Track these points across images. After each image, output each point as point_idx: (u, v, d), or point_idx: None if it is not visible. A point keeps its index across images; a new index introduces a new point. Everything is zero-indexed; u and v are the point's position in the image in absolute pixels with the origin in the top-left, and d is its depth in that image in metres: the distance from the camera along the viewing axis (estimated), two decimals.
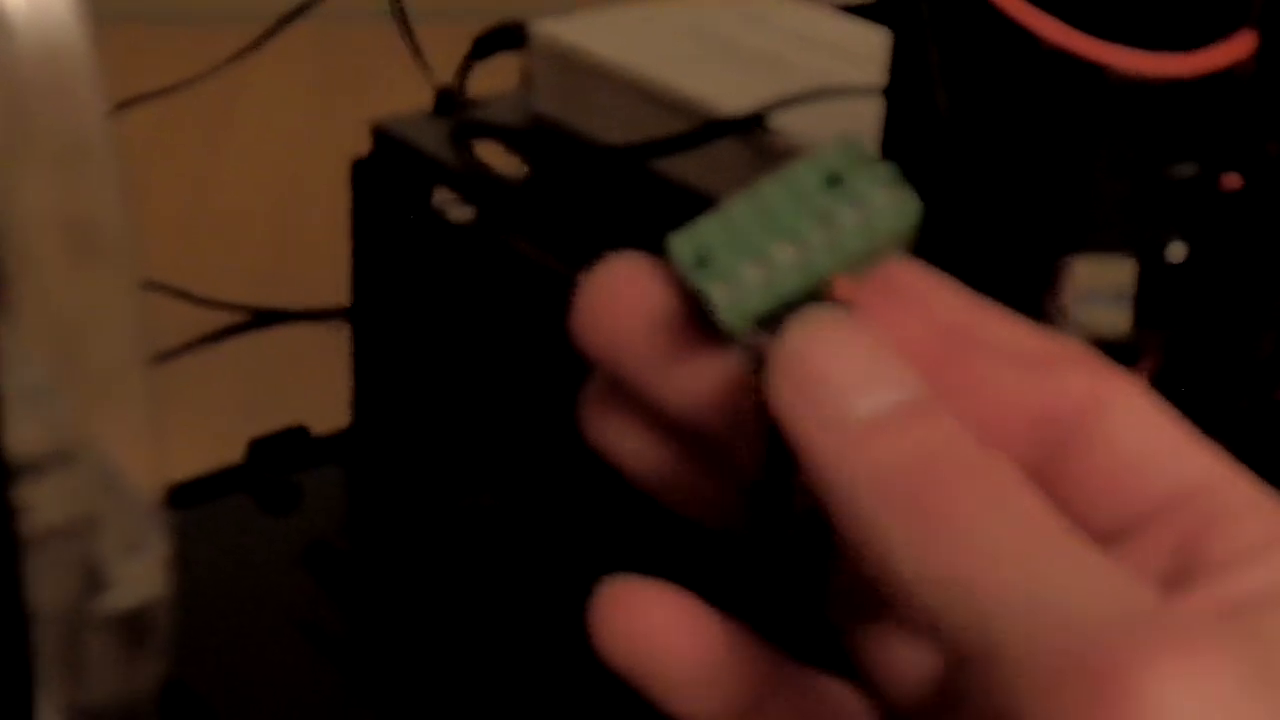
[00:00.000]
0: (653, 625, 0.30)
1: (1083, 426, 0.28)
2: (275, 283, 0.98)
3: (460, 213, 0.75)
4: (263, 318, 0.97)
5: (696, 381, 0.29)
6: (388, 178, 0.77)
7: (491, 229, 0.73)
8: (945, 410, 0.27)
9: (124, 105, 0.98)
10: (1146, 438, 0.28)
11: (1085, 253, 0.48)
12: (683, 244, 0.28)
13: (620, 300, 0.29)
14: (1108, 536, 0.27)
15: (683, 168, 0.67)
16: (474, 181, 0.74)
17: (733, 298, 0.28)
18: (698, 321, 0.28)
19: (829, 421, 0.26)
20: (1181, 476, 0.28)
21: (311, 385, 0.88)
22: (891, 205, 0.28)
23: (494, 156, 0.76)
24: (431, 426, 0.78)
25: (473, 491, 0.72)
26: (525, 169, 0.76)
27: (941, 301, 0.29)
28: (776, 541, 0.30)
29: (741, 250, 0.28)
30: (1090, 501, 0.28)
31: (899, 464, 0.26)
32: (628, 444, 0.31)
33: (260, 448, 0.85)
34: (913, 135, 0.48)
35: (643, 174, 0.69)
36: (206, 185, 1.11)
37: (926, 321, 0.29)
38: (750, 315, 0.28)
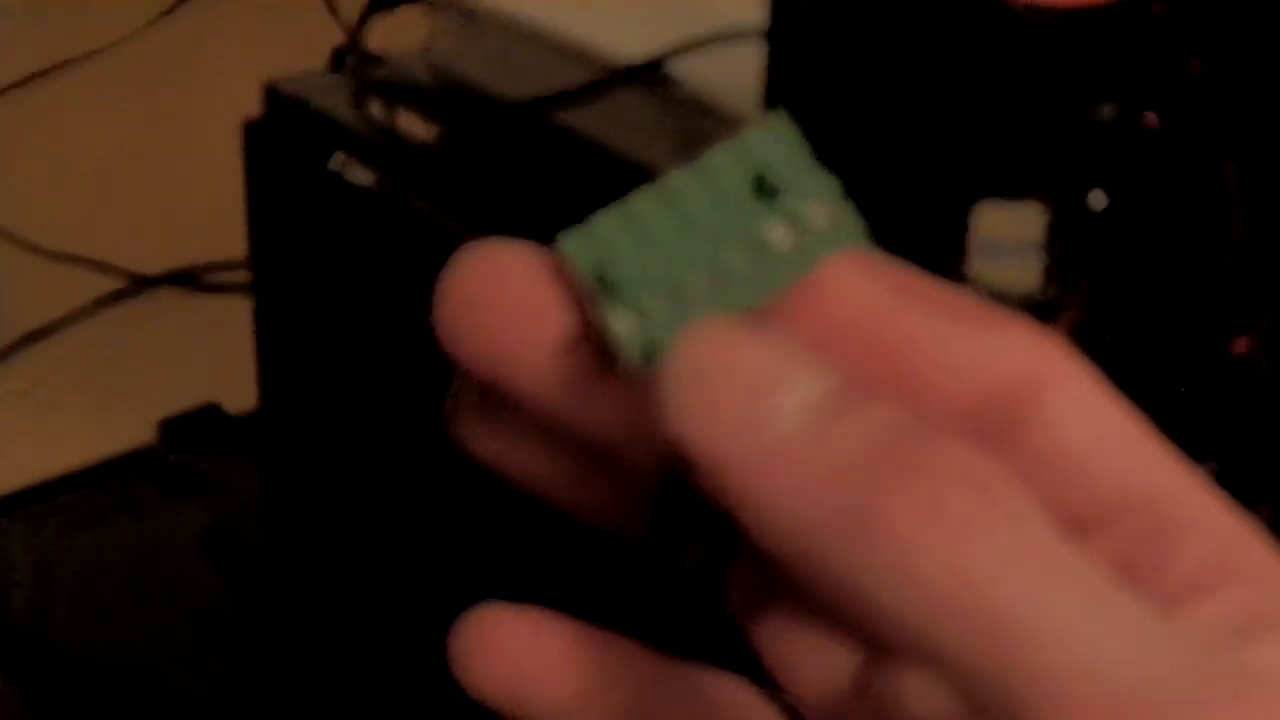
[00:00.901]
0: (518, 657, 0.28)
1: (1020, 413, 0.25)
2: (182, 248, 0.94)
3: (360, 176, 0.71)
4: (165, 281, 0.93)
5: (587, 397, 0.26)
6: (282, 140, 0.73)
7: (394, 193, 0.69)
8: (873, 394, 0.24)
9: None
10: (1089, 431, 0.25)
11: (990, 200, 0.44)
12: (580, 250, 0.25)
13: (495, 298, 0.26)
14: None
15: (585, 120, 0.63)
16: (374, 143, 0.70)
17: (638, 332, 0.24)
18: (588, 331, 0.25)
19: (743, 438, 0.23)
20: (1126, 480, 0.25)
21: (227, 357, 0.83)
22: (832, 229, 0.24)
23: (400, 118, 0.72)
24: (340, 406, 0.74)
25: (382, 476, 0.69)
26: (428, 129, 0.72)
27: (860, 286, 0.25)
28: (679, 548, 0.27)
29: (650, 276, 0.24)
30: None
31: (844, 468, 0.23)
32: (507, 453, 0.28)
33: (172, 428, 0.81)
34: (795, 79, 0.44)
35: (544, 129, 0.65)
36: (104, 150, 1.07)
37: (843, 311, 0.25)
38: (657, 351, 0.24)
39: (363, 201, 0.70)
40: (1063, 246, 0.46)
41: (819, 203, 0.24)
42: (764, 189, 0.24)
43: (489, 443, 0.28)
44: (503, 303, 0.25)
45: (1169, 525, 0.24)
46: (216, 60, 1.13)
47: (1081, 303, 0.47)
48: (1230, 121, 0.48)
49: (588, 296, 0.25)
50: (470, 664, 0.28)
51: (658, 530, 0.27)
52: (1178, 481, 0.25)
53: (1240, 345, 0.50)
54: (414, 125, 0.71)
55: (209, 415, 0.82)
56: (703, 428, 0.23)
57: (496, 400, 0.27)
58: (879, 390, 0.24)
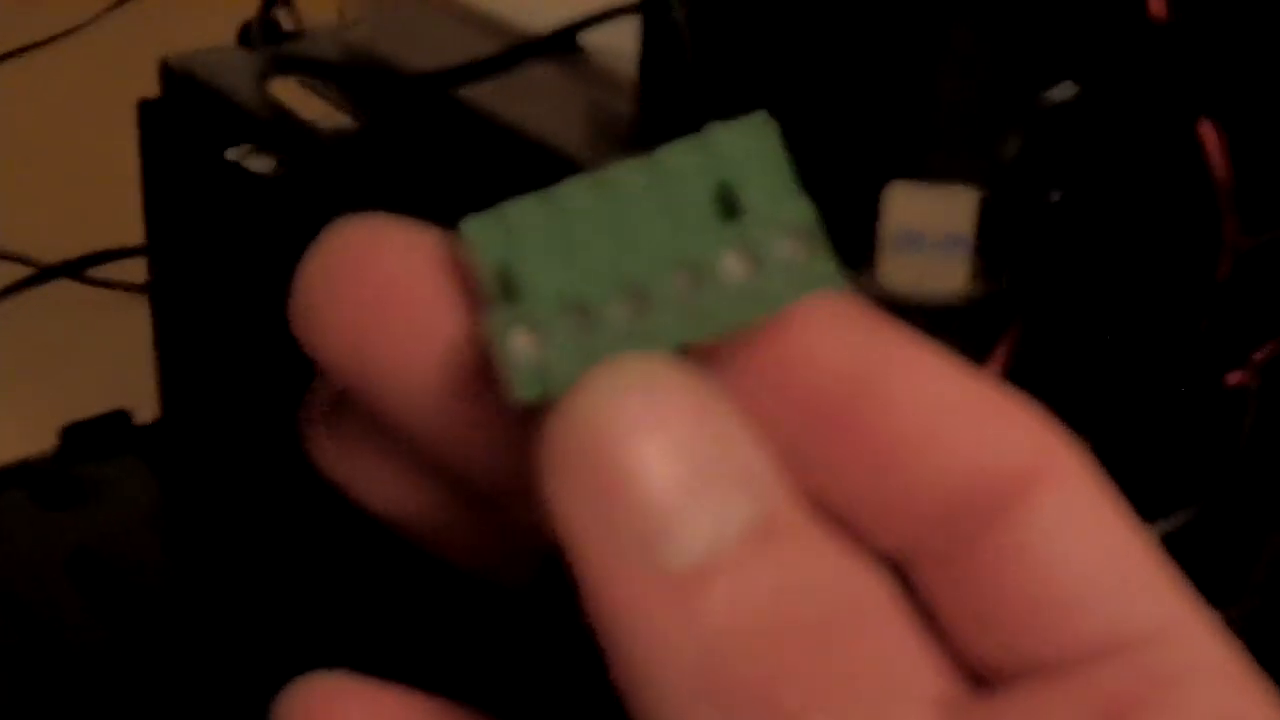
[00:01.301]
0: None
1: (1003, 518, 0.21)
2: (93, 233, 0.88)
3: (261, 163, 0.65)
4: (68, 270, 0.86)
5: (467, 425, 0.22)
6: (178, 122, 0.66)
7: (296, 182, 0.63)
8: (812, 527, 0.20)
9: None
10: (1085, 551, 0.21)
11: (906, 182, 0.37)
12: (484, 240, 0.20)
13: (365, 287, 0.21)
14: (1005, 675, 0.21)
15: (494, 97, 0.57)
16: (275, 126, 0.64)
17: (534, 356, 0.20)
18: (479, 344, 0.21)
19: (633, 559, 0.19)
20: (1123, 615, 0.21)
21: (139, 357, 0.77)
22: (798, 269, 0.20)
23: (306, 99, 0.66)
24: (241, 414, 0.67)
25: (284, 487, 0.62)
26: (337, 109, 0.65)
27: (832, 340, 0.21)
28: (570, 613, 0.21)
29: (563, 287, 0.20)
30: (990, 624, 0.21)
31: (745, 635, 0.19)
32: (366, 477, 0.24)
33: (74, 436, 0.75)
34: (666, 40, 0.38)
35: (452, 105, 0.58)
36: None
37: (807, 368, 0.21)
38: (555, 388, 0.20)
39: (263, 191, 0.63)
40: (997, 240, 0.39)
41: (788, 234, 0.20)
42: (726, 205, 0.20)
43: (345, 463, 0.24)
44: (374, 293, 0.21)
45: (1168, 675, 0.20)
46: (121, 36, 1.07)
47: (1020, 310, 0.40)
48: (1210, 81, 0.41)
49: (483, 299, 0.20)
50: None
51: (545, 589, 0.24)
52: (1185, 622, 0.21)
53: (1234, 376, 0.44)
54: (321, 106, 0.65)
55: (115, 422, 0.76)
56: (586, 527, 0.19)
57: (358, 413, 0.23)
58: (835, 473, 0.20)
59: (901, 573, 0.21)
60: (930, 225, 0.38)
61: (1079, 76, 0.40)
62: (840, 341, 0.21)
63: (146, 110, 0.67)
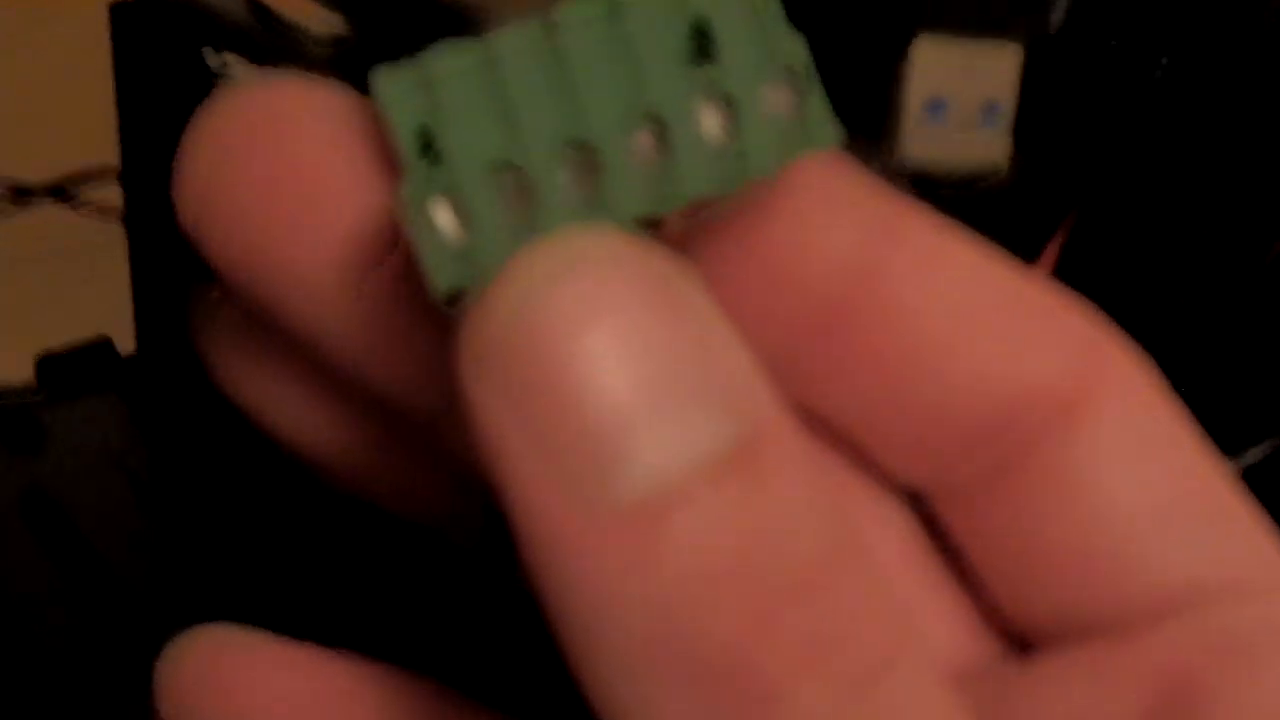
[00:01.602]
0: (237, 701, 0.20)
1: (1044, 443, 0.18)
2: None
3: (242, 74, 0.60)
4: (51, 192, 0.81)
5: (388, 333, 0.18)
6: (152, 28, 0.61)
7: None
8: (803, 449, 0.16)
9: None
10: (1146, 484, 0.18)
11: (934, 35, 0.32)
12: (401, 99, 0.17)
13: (262, 161, 0.18)
14: (1047, 636, 0.18)
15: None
16: (256, 33, 0.58)
17: (459, 240, 0.16)
18: (399, 229, 0.17)
19: (573, 489, 0.15)
20: (1192, 564, 0.17)
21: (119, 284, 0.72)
22: (789, 123, 0.17)
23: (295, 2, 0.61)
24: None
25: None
26: (324, 13, 0.60)
27: (831, 220, 0.18)
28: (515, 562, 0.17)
29: (495, 153, 0.16)
30: (1029, 574, 0.18)
31: (714, 584, 0.15)
32: (274, 401, 0.21)
33: (50, 366, 0.70)
34: None
35: (446, 13, 0.53)
36: None
37: (801, 255, 0.18)
38: (484, 275, 0.16)
39: None
40: (1042, 110, 0.33)
41: (774, 81, 0.17)
42: (701, 49, 0.17)
43: (249, 384, 0.21)
44: (271, 170, 0.17)
45: (1243, 641, 0.17)
46: None
47: (1074, 200, 0.34)
48: None
49: (399, 172, 0.17)
50: (180, 703, 0.20)
51: (493, 537, 0.19)
52: (1266, 574, 0.17)
53: None
54: (307, 6, 0.60)
55: (98, 353, 0.71)
56: (504, 434, 0.15)
57: (260, 322, 0.19)
58: (836, 389, 0.17)
59: (923, 509, 0.18)
60: (962, 90, 0.32)
61: None
62: (839, 223, 0.18)
63: (118, 14, 0.61)
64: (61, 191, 0.77)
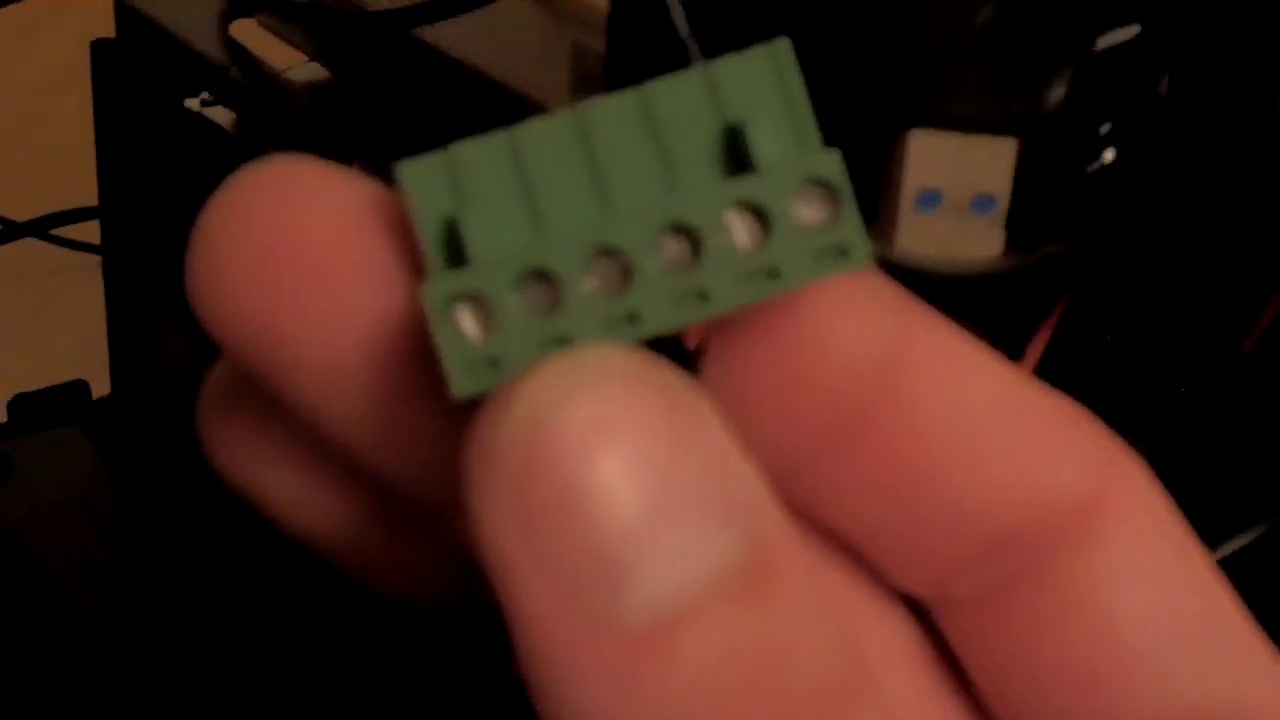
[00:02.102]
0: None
1: (1054, 558, 0.18)
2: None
3: (222, 114, 0.59)
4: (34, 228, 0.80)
5: (399, 422, 0.18)
6: (133, 66, 0.60)
7: (257, 137, 0.57)
8: (810, 569, 0.16)
9: None
10: (1155, 606, 0.18)
11: (928, 129, 0.31)
12: (426, 188, 0.16)
13: (278, 245, 0.17)
14: None
15: (466, 39, 0.51)
16: (236, 74, 0.57)
17: (481, 346, 0.16)
18: (418, 321, 0.17)
19: (576, 607, 0.15)
20: (1199, 691, 0.17)
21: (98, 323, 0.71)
22: (821, 243, 0.16)
23: (270, 43, 0.60)
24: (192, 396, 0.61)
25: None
26: (302, 56, 0.59)
27: (858, 329, 0.17)
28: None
29: (525, 254, 0.16)
30: (1032, 691, 0.18)
31: (717, 711, 0.15)
32: (270, 481, 0.20)
33: (23, 406, 0.69)
34: None
35: (422, 50, 0.52)
36: None
37: (825, 362, 0.17)
38: (499, 377, 0.16)
39: (223, 146, 0.57)
40: (1036, 202, 0.33)
41: (808, 193, 0.16)
42: (732, 155, 0.17)
43: (246, 464, 0.20)
44: (287, 253, 0.17)
45: None
46: None
47: (1062, 291, 0.33)
48: None
49: (422, 264, 0.17)
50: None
51: (487, 624, 0.19)
52: (1267, 694, 0.18)
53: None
54: (285, 51, 0.59)
55: (71, 394, 0.70)
56: (524, 562, 0.15)
57: (262, 403, 0.19)
58: (846, 495, 0.17)
59: (926, 618, 0.18)
60: (957, 182, 0.31)
61: (1141, 17, 0.34)
62: (859, 326, 0.17)
63: (99, 51, 0.60)
64: (43, 228, 0.76)
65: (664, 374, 0.16)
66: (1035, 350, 0.34)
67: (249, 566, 0.56)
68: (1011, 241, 0.32)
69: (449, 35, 0.50)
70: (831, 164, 0.16)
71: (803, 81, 0.17)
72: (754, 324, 0.17)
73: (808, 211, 0.16)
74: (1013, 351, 0.35)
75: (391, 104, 0.54)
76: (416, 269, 0.17)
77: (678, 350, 0.17)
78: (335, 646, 0.52)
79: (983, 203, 0.31)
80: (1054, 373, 0.21)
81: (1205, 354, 0.37)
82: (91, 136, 0.64)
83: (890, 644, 0.19)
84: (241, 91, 0.57)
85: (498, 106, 0.48)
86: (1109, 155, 0.34)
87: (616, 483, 0.15)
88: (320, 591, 0.53)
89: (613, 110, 0.17)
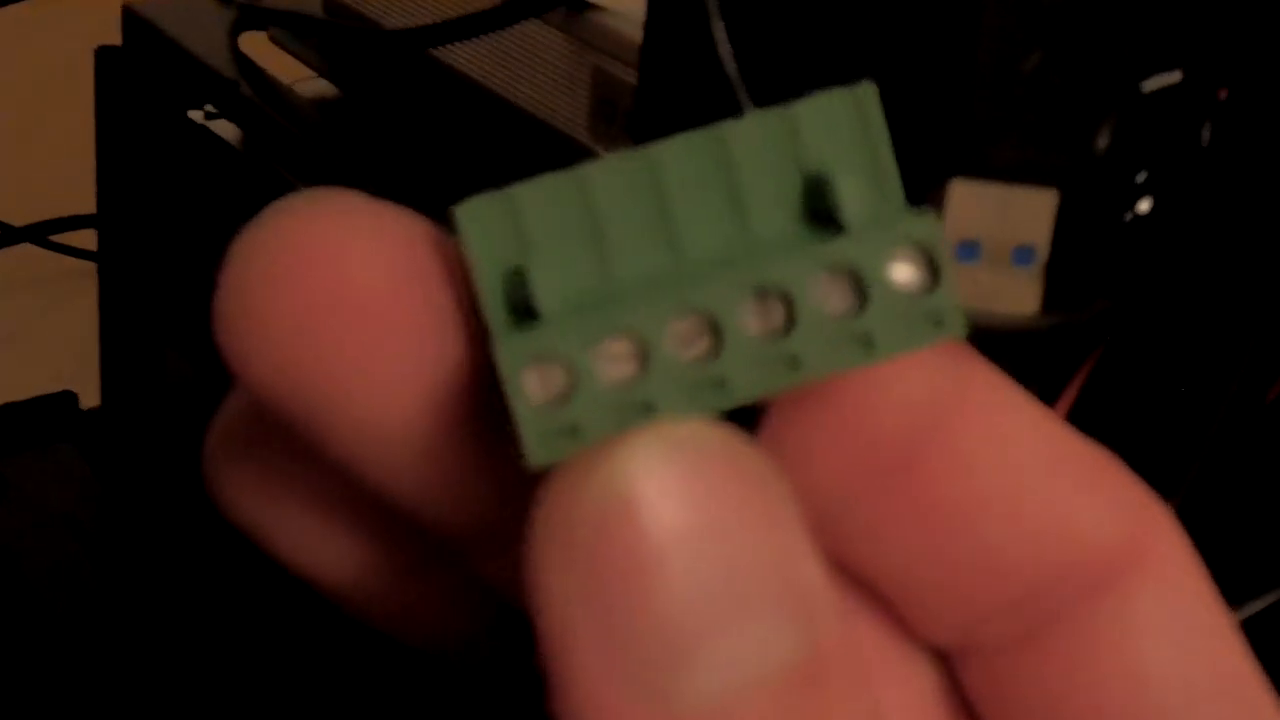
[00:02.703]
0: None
1: (1085, 608, 0.17)
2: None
3: (227, 129, 0.58)
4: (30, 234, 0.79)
5: (443, 470, 0.17)
6: (138, 76, 0.59)
7: (263, 153, 0.56)
8: (858, 659, 0.16)
9: None
10: (1182, 664, 0.17)
11: (968, 179, 0.30)
12: (485, 233, 0.15)
13: (320, 291, 0.16)
14: None
15: (484, 61, 0.50)
16: (243, 88, 0.56)
17: (559, 414, 0.15)
18: (477, 376, 0.16)
19: (632, 688, 0.15)
20: None
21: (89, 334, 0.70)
22: (916, 311, 0.16)
23: (279, 58, 0.59)
24: (185, 412, 0.60)
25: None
26: (311, 72, 0.58)
27: (916, 368, 0.17)
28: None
29: (594, 309, 0.15)
30: None
31: None
32: (285, 522, 0.19)
33: (10, 417, 0.68)
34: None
35: (438, 69, 0.51)
36: None
37: (877, 403, 0.17)
38: (573, 444, 0.15)
39: (227, 161, 0.56)
40: (1076, 256, 0.32)
41: (903, 256, 0.16)
42: (814, 207, 0.16)
43: (256, 503, 0.19)
44: (328, 297, 0.16)
45: None
46: None
47: (1095, 346, 0.33)
48: None
49: (482, 318, 0.16)
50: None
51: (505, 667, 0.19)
52: None
53: None
54: (294, 66, 0.58)
55: (59, 405, 0.69)
56: (569, 619, 0.15)
57: (280, 445, 0.18)
58: (887, 539, 0.17)
59: (947, 666, 0.18)
60: (997, 233, 0.30)
61: (1184, 63, 0.33)
62: (912, 372, 0.17)
63: (104, 58, 0.59)
64: (41, 234, 0.75)
65: (752, 457, 0.15)
66: (1065, 403, 0.33)
67: (239, 585, 0.54)
68: (1050, 294, 0.31)
69: (466, 56, 0.49)
70: (929, 228, 0.16)
71: (887, 129, 0.16)
72: None
73: (903, 276, 0.16)
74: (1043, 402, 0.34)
75: (403, 124, 0.53)
76: (475, 319, 0.16)
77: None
78: (327, 669, 0.51)
79: (1023, 254, 0.30)
80: (1082, 426, 0.21)
81: (1235, 407, 0.36)
82: (92, 142, 0.63)
83: (910, 693, 0.18)
84: (248, 105, 0.56)
85: (514, 131, 0.47)
86: (1144, 205, 0.33)
87: (693, 568, 0.15)
88: (312, 613, 0.52)
89: (685, 151, 0.16)
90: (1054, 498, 0.17)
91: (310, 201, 0.16)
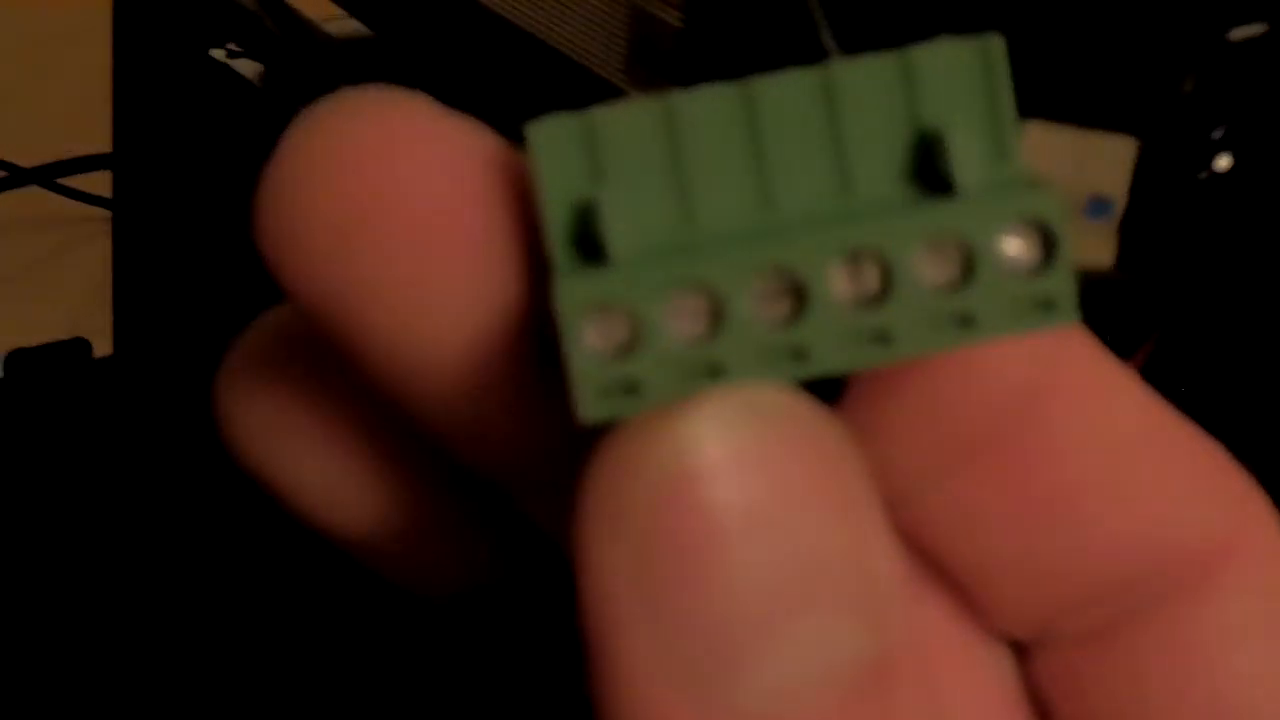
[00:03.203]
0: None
1: (1174, 602, 0.16)
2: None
3: (248, 67, 0.56)
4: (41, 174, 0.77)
5: (496, 406, 0.16)
6: (160, 11, 0.57)
7: (288, 91, 0.54)
8: (925, 673, 0.15)
9: None
10: (1263, 674, 0.16)
11: (1041, 120, 0.29)
12: (561, 159, 0.14)
13: (368, 191, 0.15)
14: None
15: (518, 4, 0.48)
16: (265, 25, 0.55)
17: (619, 369, 0.14)
18: (539, 306, 0.15)
19: (685, 684, 0.14)
20: None
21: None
22: (1026, 292, 0.14)
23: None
24: (201, 361, 0.58)
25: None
26: (342, 15, 0.57)
27: (1013, 365, 0.16)
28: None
29: (677, 261, 0.14)
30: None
31: None
32: (304, 464, 0.18)
33: (21, 362, 0.67)
34: None
35: (471, 7, 0.49)
36: None
37: (975, 378, 0.16)
38: (635, 400, 0.14)
39: (249, 102, 0.55)
40: (1153, 209, 0.30)
41: (1017, 231, 0.14)
42: (924, 166, 0.14)
43: (273, 443, 0.18)
44: (396, 212, 0.15)
45: None
46: None
47: (1166, 308, 0.31)
48: None
49: (546, 248, 0.14)
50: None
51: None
52: None
53: None
54: (324, 5, 0.57)
55: (71, 352, 0.67)
56: (618, 608, 0.14)
57: (305, 375, 0.17)
58: (971, 523, 0.16)
59: (1020, 658, 0.17)
60: (1072, 181, 0.29)
61: (1271, 15, 0.31)
62: (1012, 347, 0.15)
63: None
64: (49, 176, 0.74)
65: (832, 433, 0.14)
66: (1134, 367, 0.31)
67: (249, 539, 0.53)
68: (1123, 250, 0.29)
69: None
70: (1051, 202, 0.14)
71: (1012, 88, 0.15)
72: None
73: (1015, 253, 0.14)
74: None
75: (435, 65, 0.51)
76: (537, 250, 0.15)
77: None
78: (338, 626, 0.50)
79: (1098, 205, 0.28)
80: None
81: None
82: (106, 83, 0.62)
83: (978, 682, 0.17)
84: (273, 43, 0.55)
85: (548, 71, 0.45)
86: (1224, 162, 0.31)
87: (759, 553, 0.14)
88: (323, 574, 0.51)
89: (788, 91, 0.14)
90: (1152, 488, 0.16)
91: (372, 97, 0.15)
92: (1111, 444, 0.16)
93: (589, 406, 0.14)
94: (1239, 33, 0.31)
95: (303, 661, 0.51)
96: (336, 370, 0.17)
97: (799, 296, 0.14)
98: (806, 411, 0.14)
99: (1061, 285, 0.14)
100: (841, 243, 0.14)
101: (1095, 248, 0.29)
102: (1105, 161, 0.29)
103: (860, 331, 0.14)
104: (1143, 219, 0.29)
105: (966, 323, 0.14)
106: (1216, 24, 0.31)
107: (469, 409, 0.16)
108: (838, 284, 0.14)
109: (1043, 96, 0.28)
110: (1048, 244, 0.14)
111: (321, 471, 0.18)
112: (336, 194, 0.15)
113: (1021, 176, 0.14)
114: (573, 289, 0.14)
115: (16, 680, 0.53)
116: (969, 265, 0.14)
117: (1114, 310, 0.30)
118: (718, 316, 0.14)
